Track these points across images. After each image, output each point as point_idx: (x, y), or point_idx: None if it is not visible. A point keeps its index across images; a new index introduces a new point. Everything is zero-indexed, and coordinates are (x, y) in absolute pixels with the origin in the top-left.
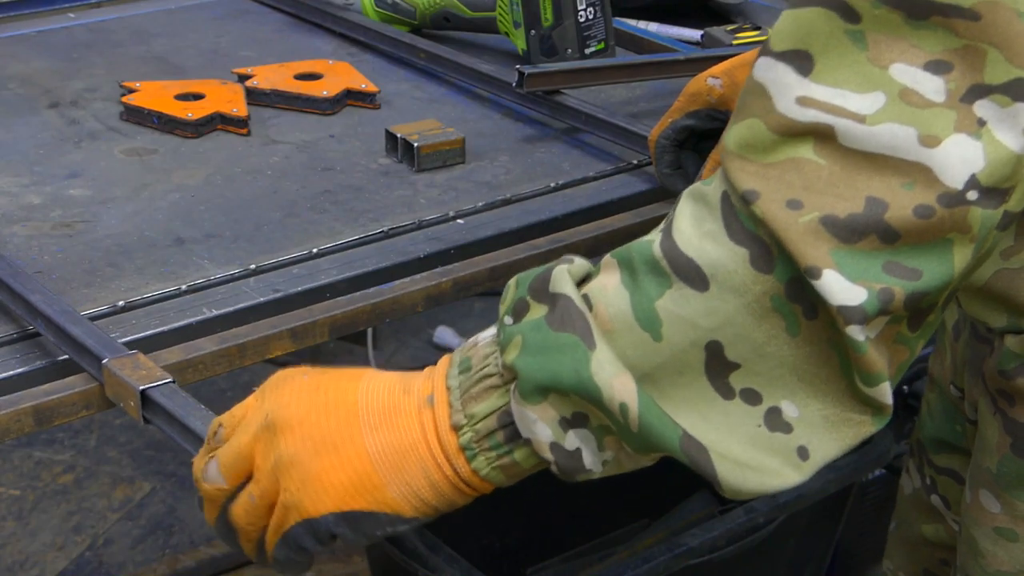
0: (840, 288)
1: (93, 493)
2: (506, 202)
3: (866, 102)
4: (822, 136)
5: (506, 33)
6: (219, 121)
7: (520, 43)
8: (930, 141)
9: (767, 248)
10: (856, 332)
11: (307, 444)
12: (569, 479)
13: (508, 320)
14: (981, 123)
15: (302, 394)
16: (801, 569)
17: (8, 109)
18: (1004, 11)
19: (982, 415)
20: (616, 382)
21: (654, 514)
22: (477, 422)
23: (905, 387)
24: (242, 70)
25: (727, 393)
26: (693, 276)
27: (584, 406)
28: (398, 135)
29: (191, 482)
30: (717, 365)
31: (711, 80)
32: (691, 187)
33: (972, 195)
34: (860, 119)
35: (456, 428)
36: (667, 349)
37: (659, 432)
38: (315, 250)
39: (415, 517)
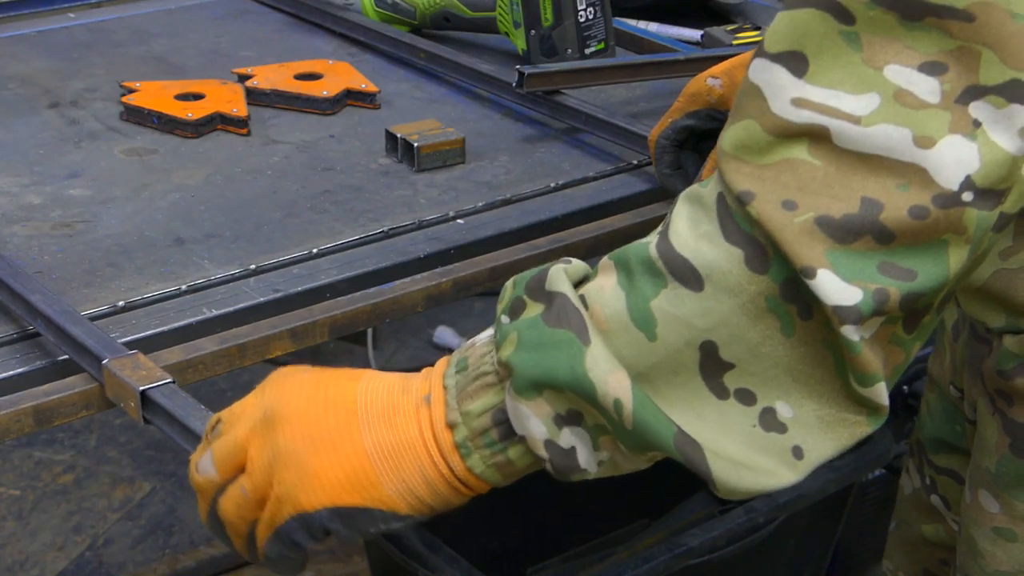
0: (835, 288)
1: (93, 493)
2: (506, 202)
3: (861, 103)
4: (817, 137)
5: (506, 33)
6: (219, 121)
7: (520, 43)
8: (925, 142)
9: (762, 249)
10: (851, 332)
11: (305, 439)
12: (564, 478)
13: (505, 319)
14: (976, 124)
15: (302, 390)
16: (801, 569)
17: (8, 109)
18: (997, 12)
19: (981, 415)
20: (610, 378)
21: (654, 514)
22: (472, 419)
23: (905, 387)
24: (242, 70)
25: (722, 393)
26: (688, 276)
27: (578, 403)
28: (398, 135)
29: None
30: (712, 365)
31: (711, 80)
32: (688, 189)
33: (967, 196)
34: (855, 120)
35: (451, 426)
36: (662, 349)
37: (653, 429)
38: (315, 250)
39: (410, 515)
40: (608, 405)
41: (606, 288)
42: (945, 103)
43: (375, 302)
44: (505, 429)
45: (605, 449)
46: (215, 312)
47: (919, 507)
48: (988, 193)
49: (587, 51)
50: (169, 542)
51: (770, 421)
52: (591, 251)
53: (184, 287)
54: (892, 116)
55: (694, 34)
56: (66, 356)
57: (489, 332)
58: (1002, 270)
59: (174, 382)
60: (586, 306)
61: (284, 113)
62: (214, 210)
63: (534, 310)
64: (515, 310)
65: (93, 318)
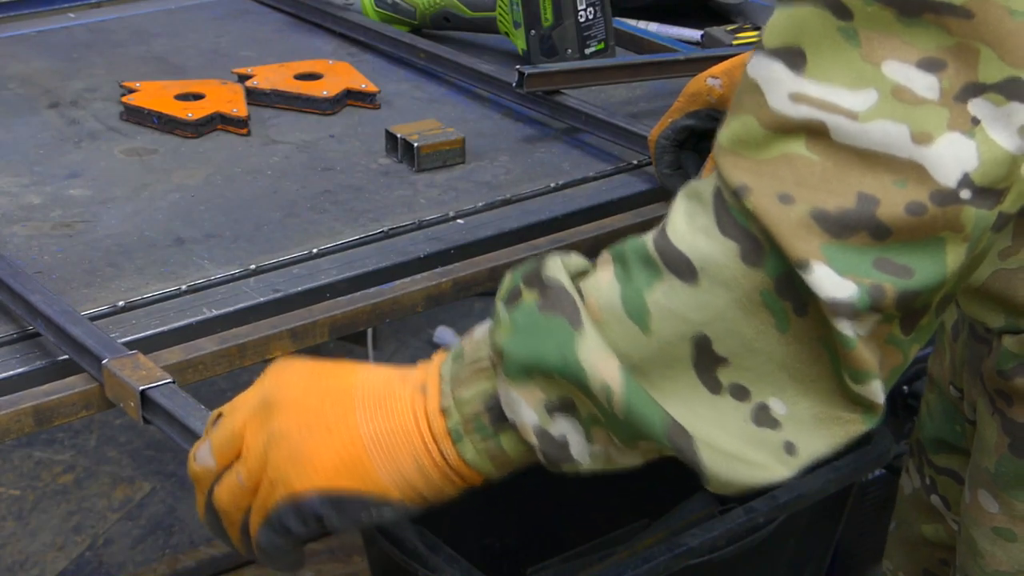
0: (830, 282)
1: (93, 493)
2: (506, 202)
3: (858, 99)
4: (815, 133)
5: (506, 33)
6: (219, 121)
7: (520, 43)
8: (923, 139)
9: (758, 243)
10: (845, 327)
11: (300, 422)
12: (556, 469)
13: (501, 307)
14: (975, 122)
15: (301, 378)
16: (801, 569)
17: (8, 109)
18: (995, 9)
19: (980, 415)
20: (601, 364)
21: (654, 514)
22: (464, 406)
23: (905, 387)
24: (242, 70)
25: (715, 388)
26: (683, 269)
27: (570, 390)
28: (398, 135)
29: (191, 482)
30: (705, 359)
31: (711, 80)
32: (687, 185)
33: (965, 194)
34: (852, 116)
35: (444, 412)
36: (655, 342)
37: (643, 417)
38: (315, 250)
39: (403, 502)
40: (598, 391)
41: (602, 281)
42: (944, 100)
43: (375, 302)
44: (497, 416)
45: (598, 442)
46: (215, 312)
47: (919, 507)
48: (986, 192)
49: (587, 51)
50: (169, 542)
51: (763, 417)
52: (591, 251)
53: (184, 287)
54: (890, 112)
55: (694, 34)
56: (66, 356)
57: (487, 324)
58: (1001, 270)
59: (174, 382)
60: (582, 297)
61: (284, 113)
62: (214, 210)
63: (530, 298)
64: (512, 298)
65: (93, 318)
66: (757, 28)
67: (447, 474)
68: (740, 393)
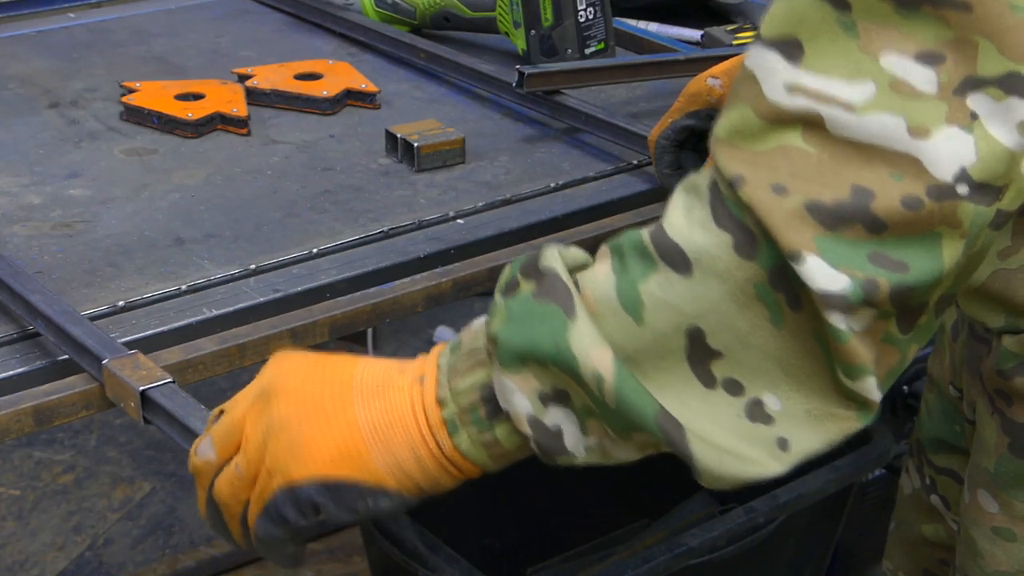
0: (822, 274)
1: (93, 493)
2: (506, 202)
3: (855, 91)
4: (811, 124)
5: (506, 33)
6: (219, 121)
7: (520, 43)
8: (919, 132)
9: (752, 235)
10: (837, 320)
11: (299, 410)
12: (550, 461)
13: (498, 297)
14: (974, 116)
15: (300, 368)
16: (801, 569)
17: (8, 109)
18: (996, 3)
19: (980, 415)
20: (594, 353)
21: (654, 514)
22: (460, 396)
23: (905, 387)
24: (242, 70)
25: (709, 382)
26: (678, 261)
27: (564, 380)
28: (398, 135)
29: (191, 482)
30: (699, 352)
31: (711, 80)
32: (685, 179)
33: (962, 189)
34: (849, 108)
35: (441, 402)
36: (649, 333)
37: (635, 406)
38: (315, 250)
39: (398, 491)
40: (590, 380)
41: (599, 273)
42: (942, 94)
43: (375, 302)
44: (493, 406)
45: (593, 433)
46: (215, 312)
47: (919, 507)
48: (984, 188)
49: (587, 51)
50: (169, 542)
51: (757, 412)
52: (591, 251)
53: (184, 287)
54: (887, 105)
55: (694, 34)
56: (66, 356)
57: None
58: (1001, 270)
59: (174, 382)
60: (578, 288)
61: (284, 113)
62: (214, 210)
63: (526, 287)
64: (509, 289)
65: (93, 318)
66: (757, 28)
67: (444, 465)
68: (734, 388)
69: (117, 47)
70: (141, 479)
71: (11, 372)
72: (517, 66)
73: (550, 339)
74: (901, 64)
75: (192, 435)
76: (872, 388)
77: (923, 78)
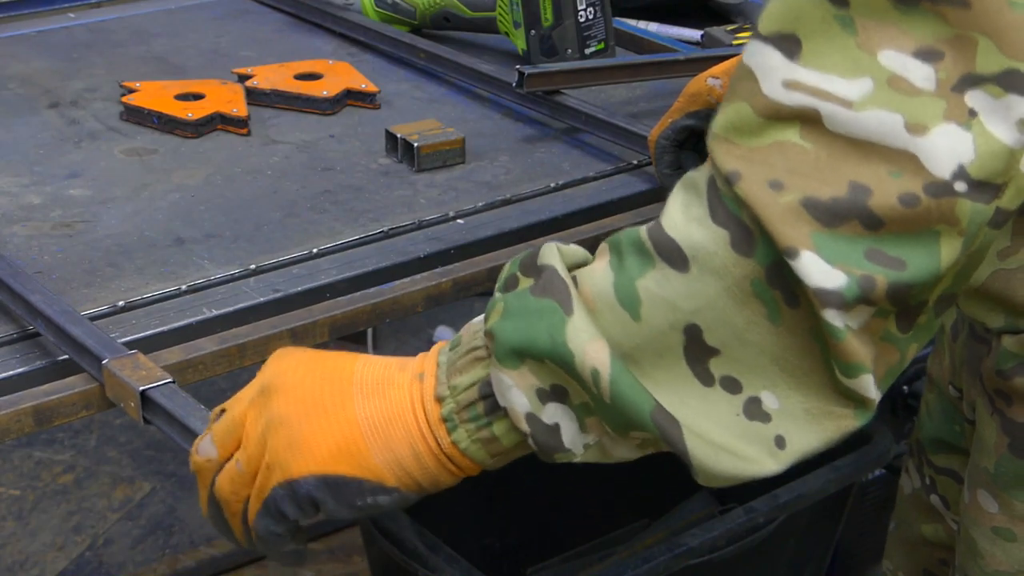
0: (818, 270)
1: (93, 493)
2: (506, 202)
3: (853, 87)
4: (808, 120)
5: (506, 33)
6: (219, 121)
7: (520, 43)
8: (917, 129)
9: (748, 231)
10: (833, 317)
11: (298, 406)
12: (548, 458)
13: (497, 294)
14: (972, 114)
15: (300, 364)
16: (801, 569)
17: (8, 109)
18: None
19: (980, 415)
20: (589, 347)
21: (654, 514)
22: (459, 393)
23: (905, 387)
24: (242, 70)
25: (707, 379)
26: (675, 257)
27: (562, 376)
28: (398, 135)
29: (191, 482)
30: (696, 350)
31: (711, 80)
32: (685, 176)
33: (960, 186)
34: (847, 104)
35: (439, 399)
36: (646, 330)
37: (630, 402)
38: (315, 250)
39: (397, 488)
40: (586, 375)
41: (597, 269)
42: (940, 91)
43: (375, 302)
44: (491, 403)
45: (592, 431)
46: (215, 312)
47: (919, 507)
48: (983, 185)
49: (587, 51)
50: (169, 542)
51: (754, 411)
52: (591, 251)
53: (184, 287)
54: (885, 101)
55: (694, 34)
56: (66, 356)
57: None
58: (1000, 270)
59: (174, 382)
60: (576, 285)
61: (284, 113)
62: (214, 210)
63: (525, 284)
64: (508, 286)
65: (93, 318)
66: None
67: (443, 462)
68: (732, 386)
69: (117, 47)
70: (141, 479)
71: (11, 372)
72: (517, 66)
73: (547, 334)
74: (899, 61)
75: (192, 435)
76: (870, 386)
77: (921, 75)
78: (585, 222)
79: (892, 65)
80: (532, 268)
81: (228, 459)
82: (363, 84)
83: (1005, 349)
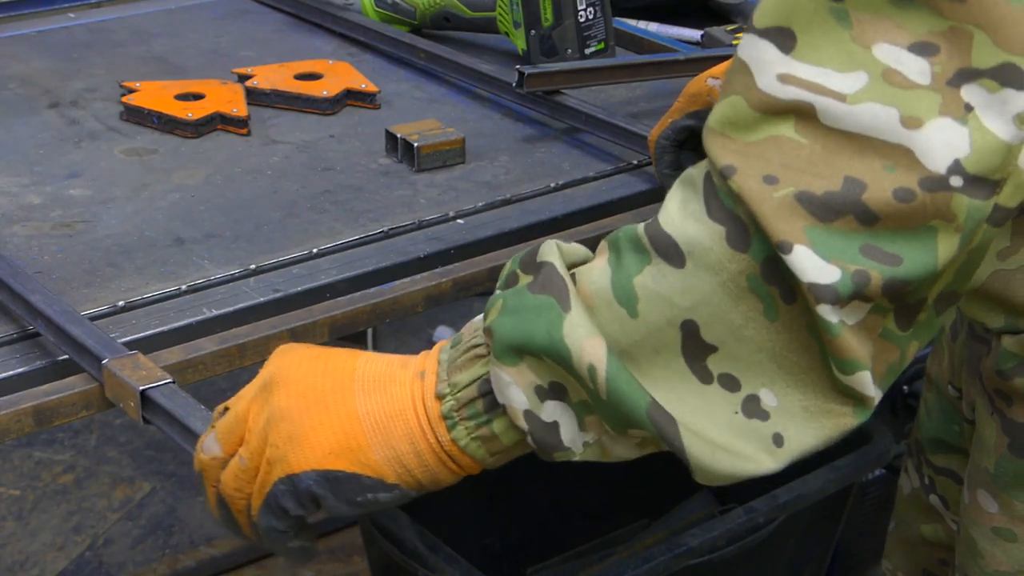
0: (812, 265)
1: (93, 493)
2: (506, 202)
3: (848, 81)
4: (803, 115)
5: (506, 33)
6: (219, 121)
7: (520, 43)
8: (912, 123)
9: (744, 226)
10: (827, 312)
11: (300, 401)
12: (547, 457)
13: (497, 291)
14: (968, 108)
15: (303, 359)
16: (801, 569)
17: (8, 109)
18: None
19: (980, 415)
20: (586, 344)
21: (654, 514)
22: (459, 390)
23: (905, 387)
24: (242, 70)
25: (705, 377)
26: (671, 253)
27: (560, 374)
28: (398, 135)
29: (191, 482)
30: (694, 346)
31: (711, 80)
32: (683, 172)
33: (956, 181)
34: (841, 98)
35: (440, 396)
36: (643, 326)
37: (627, 399)
38: (315, 250)
39: (397, 485)
40: (583, 372)
41: (596, 267)
42: (935, 84)
43: (375, 302)
44: (491, 401)
45: (591, 429)
46: (215, 312)
47: (918, 507)
48: (980, 181)
49: (587, 51)
50: (169, 542)
51: (753, 408)
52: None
53: (184, 287)
54: (879, 95)
55: (694, 34)
56: (66, 356)
57: None
58: (1000, 271)
59: (174, 382)
60: (574, 282)
61: (284, 113)
62: (214, 210)
63: (524, 281)
64: (508, 283)
65: (93, 318)
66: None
67: (443, 460)
68: (731, 384)
69: (117, 47)
70: (141, 479)
71: (11, 372)
72: (517, 66)
73: (544, 331)
74: (894, 54)
75: (192, 435)
76: (867, 383)
77: (916, 68)
78: (585, 222)
79: (887, 59)
80: (531, 265)
81: (232, 456)
82: (363, 84)
83: (1005, 349)
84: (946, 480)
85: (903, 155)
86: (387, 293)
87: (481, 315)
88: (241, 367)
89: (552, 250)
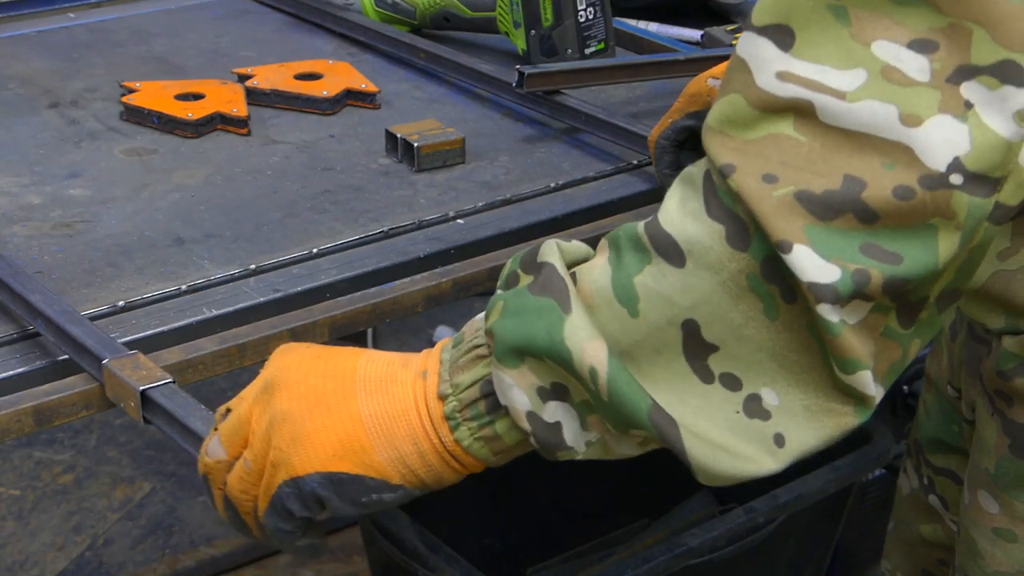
0: (812, 264)
1: (93, 493)
2: (506, 202)
3: (847, 78)
4: (802, 112)
5: (506, 33)
6: (219, 121)
7: (520, 43)
8: (911, 120)
9: (743, 225)
10: (828, 312)
11: (301, 403)
12: (551, 456)
13: (498, 291)
14: (968, 105)
15: (303, 360)
16: (801, 569)
17: (8, 109)
18: None
19: (980, 416)
20: (587, 346)
21: (654, 514)
22: (462, 391)
23: (905, 387)
24: (242, 70)
25: (707, 376)
26: (671, 252)
27: (561, 375)
28: (398, 135)
29: (191, 482)
30: (695, 346)
31: (711, 81)
32: (683, 171)
33: (956, 179)
34: (840, 96)
35: (442, 397)
36: (644, 326)
37: (628, 400)
38: (315, 250)
39: (401, 485)
40: (584, 374)
41: (596, 266)
42: (935, 82)
43: (375, 302)
44: (493, 401)
45: (594, 429)
46: (215, 312)
47: (917, 507)
48: (980, 179)
49: (587, 51)
50: (169, 542)
51: (754, 408)
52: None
53: (184, 287)
54: (878, 92)
55: (694, 34)
56: (66, 356)
57: None
58: (1001, 271)
59: (174, 382)
60: (575, 282)
61: (284, 113)
62: (214, 210)
63: (525, 281)
64: (509, 283)
65: (93, 318)
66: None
67: (446, 459)
68: (732, 383)
69: (117, 47)
70: (141, 479)
71: (11, 372)
72: (517, 66)
73: (545, 333)
74: (893, 51)
75: (192, 435)
76: (868, 383)
77: (916, 66)
78: (585, 222)
79: (886, 56)
80: (532, 265)
81: (237, 458)
82: (363, 84)
83: (1006, 350)
84: (945, 480)
85: (903, 153)
86: (387, 293)
87: (482, 314)
88: (241, 367)
89: (552, 250)
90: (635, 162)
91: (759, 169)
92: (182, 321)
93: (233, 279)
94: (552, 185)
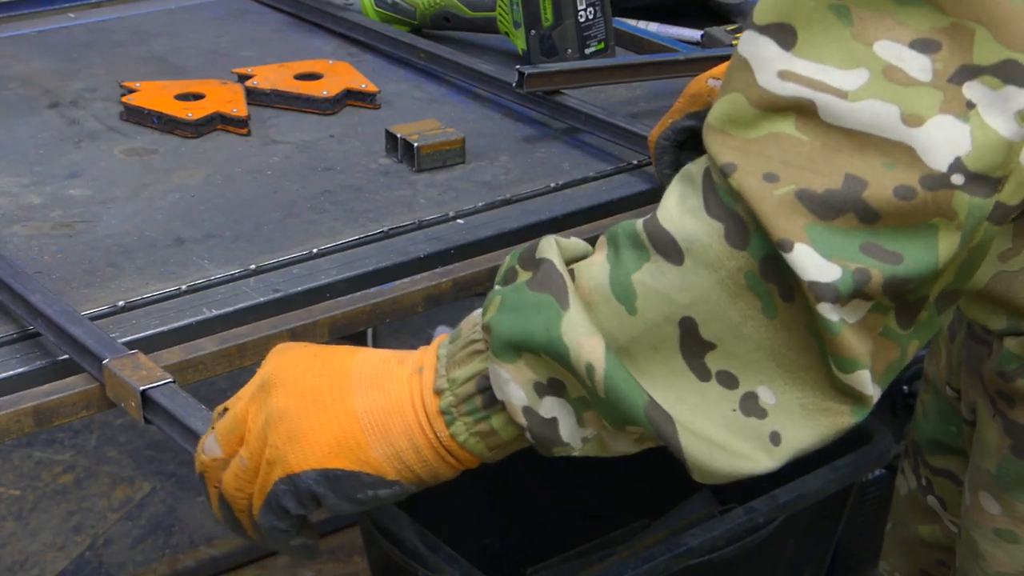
0: (813, 263)
1: (93, 493)
2: (506, 202)
3: (848, 78)
4: (803, 111)
5: (506, 33)
6: (219, 121)
7: (520, 43)
8: (913, 120)
9: (743, 223)
10: (828, 311)
11: (297, 401)
12: (547, 452)
13: (496, 287)
14: (970, 105)
15: (300, 359)
16: (801, 569)
17: (8, 109)
18: None
19: (981, 416)
20: (585, 342)
21: (654, 514)
22: (457, 386)
23: (905, 387)
24: (242, 70)
25: (703, 374)
26: (670, 250)
27: (558, 371)
28: (398, 135)
29: (191, 482)
30: (692, 344)
31: (711, 81)
32: (683, 168)
33: (957, 179)
34: (842, 95)
35: (438, 392)
36: (641, 323)
37: (624, 397)
38: (315, 250)
39: (397, 481)
40: (581, 370)
41: (595, 263)
42: (937, 81)
43: (375, 302)
44: (489, 396)
45: (591, 425)
46: (215, 312)
47: (915, 508)
48: (981, 179)
49: (587, 51)
50: (169, 542)
51: (751, 406)
52: None
53: (184, 287)
54: (880, 92)
55: (694, 34)
56: (66, 356)
57: None
58: (1002, 272)
59: (174, 382)
60: (573, 279)
61: (284, 113)
62: (214, 210)
63: (523, 277)
64: (507, 279)
65: (93, 318)
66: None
67: (442, 455)
68: (729, 381)
69: (117, 47)
70: (141, 479)
71: (11, 372)
72: (517, 66)
73: (543, 328)
74: (895, 51)
75: (192, 435)
76: (866, 382)
77: (918, 65)
78: (585, 222)
79: (888, 55)
80: (530, 261)
81: (233, 457)
82: (363, 84)
83: (1007, 351)
84: (944, 481)
85: (904, 152)
86: (387, 293)
87: (479, 310)
88: (241, 367)
89: (551, 246)
90: (635, 162)
91: (760, 168)
92: (182, 321)
93: (233, 279)
94: (552, 185)
